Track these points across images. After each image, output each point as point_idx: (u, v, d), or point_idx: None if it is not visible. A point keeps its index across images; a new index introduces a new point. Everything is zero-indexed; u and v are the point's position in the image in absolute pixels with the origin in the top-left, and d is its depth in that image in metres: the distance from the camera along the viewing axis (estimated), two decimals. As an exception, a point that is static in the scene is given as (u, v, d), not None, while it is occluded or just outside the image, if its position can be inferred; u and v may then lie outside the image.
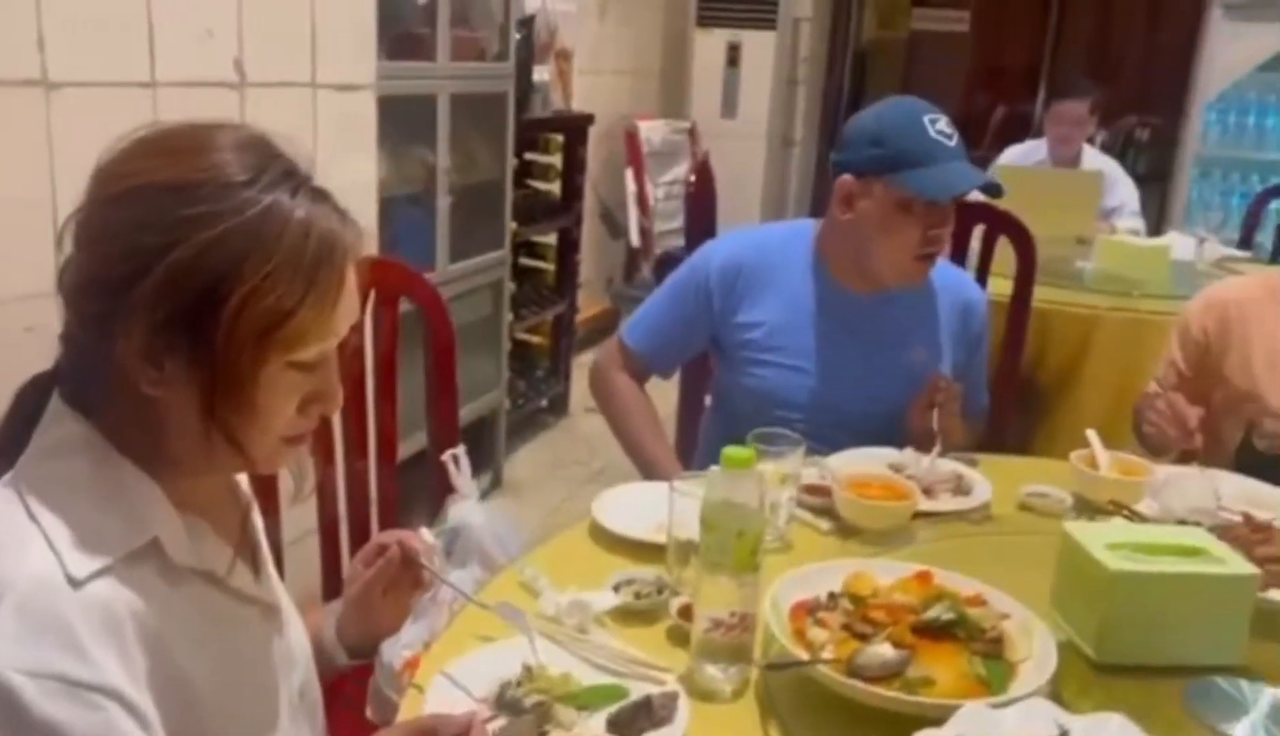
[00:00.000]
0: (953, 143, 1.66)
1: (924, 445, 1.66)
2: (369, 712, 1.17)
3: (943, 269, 1.87)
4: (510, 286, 3.57)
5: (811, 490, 1.50)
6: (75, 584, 0.74)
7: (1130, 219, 4.02)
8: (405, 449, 1.90)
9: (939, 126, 1.65)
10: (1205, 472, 1.57)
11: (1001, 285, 2.77)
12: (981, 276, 2.72)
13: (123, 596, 0.76)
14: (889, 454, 1.66)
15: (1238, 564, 1.10)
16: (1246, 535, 1.34)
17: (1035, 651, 1.05)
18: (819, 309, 1.80)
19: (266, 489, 1.18)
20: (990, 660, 1.04)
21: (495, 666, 1.05)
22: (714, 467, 1.59)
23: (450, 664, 1.06)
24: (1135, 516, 1.40)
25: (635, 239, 5.17)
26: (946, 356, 1.83)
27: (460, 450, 1.74)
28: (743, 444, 1.61)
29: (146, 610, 0.77)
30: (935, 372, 1.72)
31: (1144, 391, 1.98)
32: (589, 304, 5.15)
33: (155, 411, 0.81)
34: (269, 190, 0.80)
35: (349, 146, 2.35)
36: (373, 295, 1.71)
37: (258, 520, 0.98)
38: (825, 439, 1.75)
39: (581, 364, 4.90)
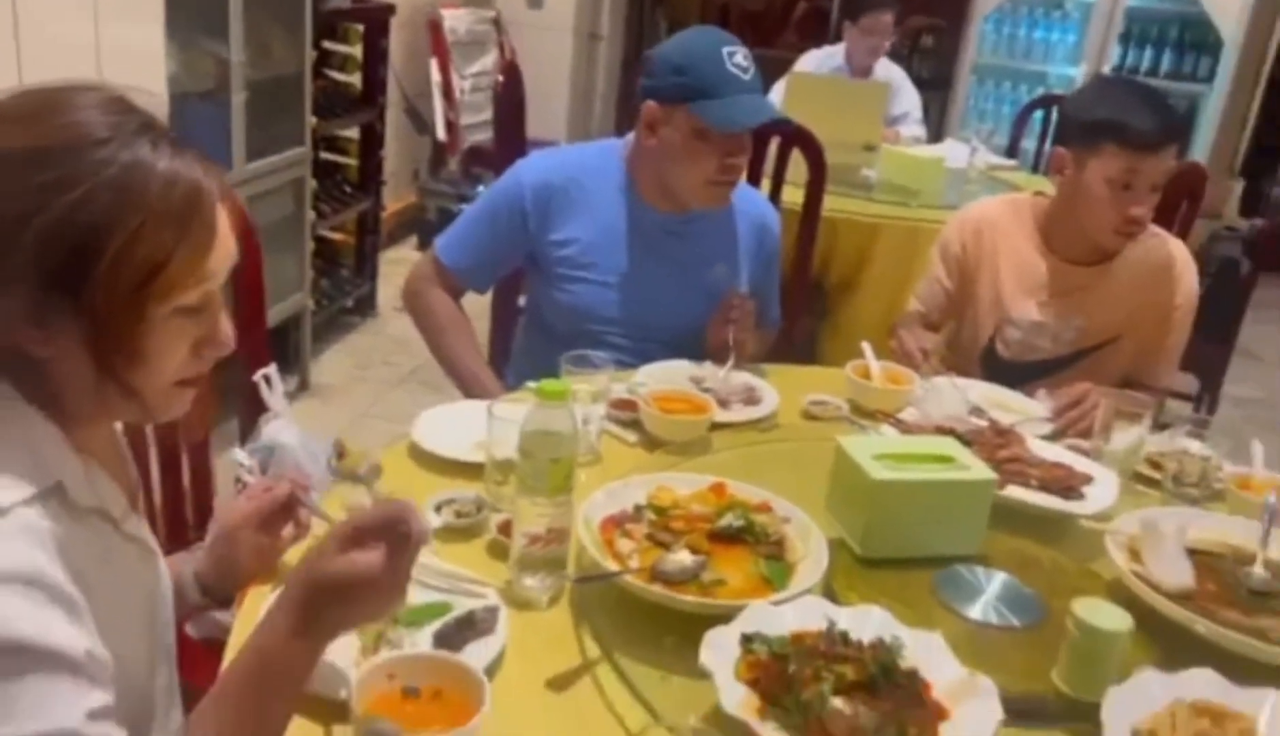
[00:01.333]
0: (748, 76, 1.75)
1: (721, 358, 1.79)
2: (189, 629, 1.20)
3: (742, 190, 1.99)
4: (312, 184, 3.46)
5: (620, 404, 1.60)
6: (1, 511, 0.77)
7: (913, 127, 4.29)
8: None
9: (736, 59, 1.74)
10: (959, 383, 1.79)
11: (795, 194, 2.95)
12: (776, 186, 2.89)
13: (42, 525, 0.79)
14: (690, 367, 1.79)
15: (979, 470, 1.29)
16: (991, 439, 1.55)
17: (811, 551, 1.21)
18: (629, 228, 1.88)
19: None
20: (773, 561, 1.19)
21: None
22: (530, 384, 1.69)
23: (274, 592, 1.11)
24: (899, 424, 1.59)
25: (441, 132, 5.07)
26: (744, 273, 1.96)
27: (272, 369, 1.75)
28: (556, 357, 1.71)
29: (62, 541, 0.80)
30: (731, 290, 1.85)
31: (904, 308, 2.18)
32: (395, 198, 5.03)
33: (49, 368, 0.83)
34: (129, 146, 0.81)
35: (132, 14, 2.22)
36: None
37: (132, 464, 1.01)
38: (637, 351, 1.86)
39: (389, 260, 4.81)
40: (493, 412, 1.32)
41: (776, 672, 0.97)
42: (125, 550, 0.93)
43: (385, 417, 3.51)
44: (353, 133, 4.04)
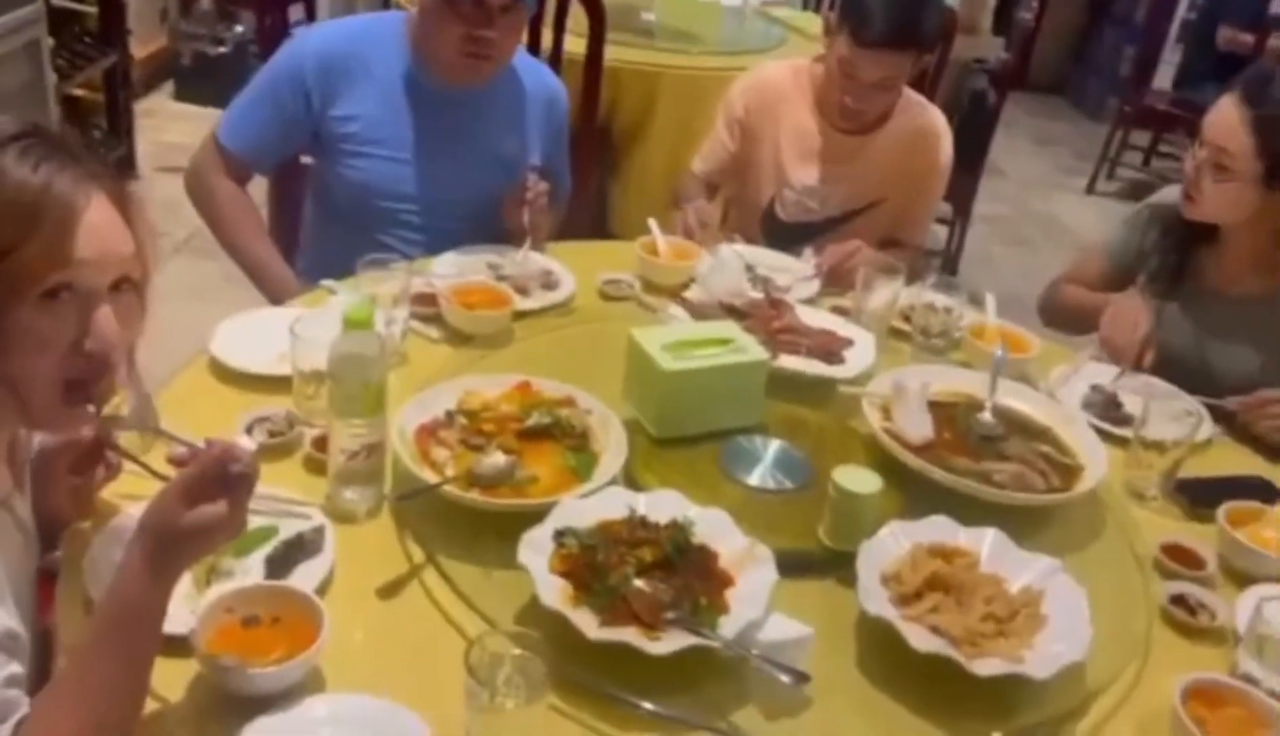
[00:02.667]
0: None
1: (518, 240, 1.85)
2: None
3: (528, 65, 2.00)
4: (49, 41, 3.14)
5: (421, 299, 1.64)
6: None
7: None
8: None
9: None
10: (739, 249, 1.93)
11: (577, 44, 2.95)
12: (557, 36, 2.87)
13: None
14: (487, 252, 1.83)
15: (755, 351, 1.44)
16: (766, 312, 1.71)
17: (612, 441, 1.33)
18: (416, 101, 1.87)
19: None
20: (579, 453, 1.31)
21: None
22: (325, 283, 1.69)
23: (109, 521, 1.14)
24: (685, 303, 1.71)
25: (188, -32, 4.64)
26: (536, 147, 2.00)
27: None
28: (350, 241, 1.73)
29: None
30: (524, 172, 1.89)
31: (687, 167, 2.27)
32: (144, 43, 4.61)
33: None
34: None
35: None
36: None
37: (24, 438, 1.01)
38: (435, 229, 1.89)
39: (144, 111, 4.46)
40: (294, 332, 1.34)
41: (586, 563, 1.10)
42: (13, 533, 0.96)
43: (165, 295, 3.33)
44: (87, -23, 3.65)
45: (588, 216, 3.20)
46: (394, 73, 1.86)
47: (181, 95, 4.78)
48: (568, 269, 1.82)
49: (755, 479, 1.36)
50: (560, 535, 1.13)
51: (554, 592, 1.06)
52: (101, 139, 3.80)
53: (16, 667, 0.87)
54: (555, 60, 2.88)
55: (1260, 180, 1.67)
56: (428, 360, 1.56)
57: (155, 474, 1.18)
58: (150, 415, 1.16)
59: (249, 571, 1.11)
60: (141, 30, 4.44)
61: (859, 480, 1.23)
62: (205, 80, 4.71)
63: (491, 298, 1.66)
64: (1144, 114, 5.27)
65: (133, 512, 1.14)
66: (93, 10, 3.72)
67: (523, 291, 1.73)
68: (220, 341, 1.49)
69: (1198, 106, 5.21)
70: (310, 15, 5.16)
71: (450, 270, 1.76)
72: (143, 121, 4.34)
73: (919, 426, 1.43)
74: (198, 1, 4.75)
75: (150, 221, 1.01)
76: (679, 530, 1.16)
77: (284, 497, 1.21)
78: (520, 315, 1.68)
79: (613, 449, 1.31)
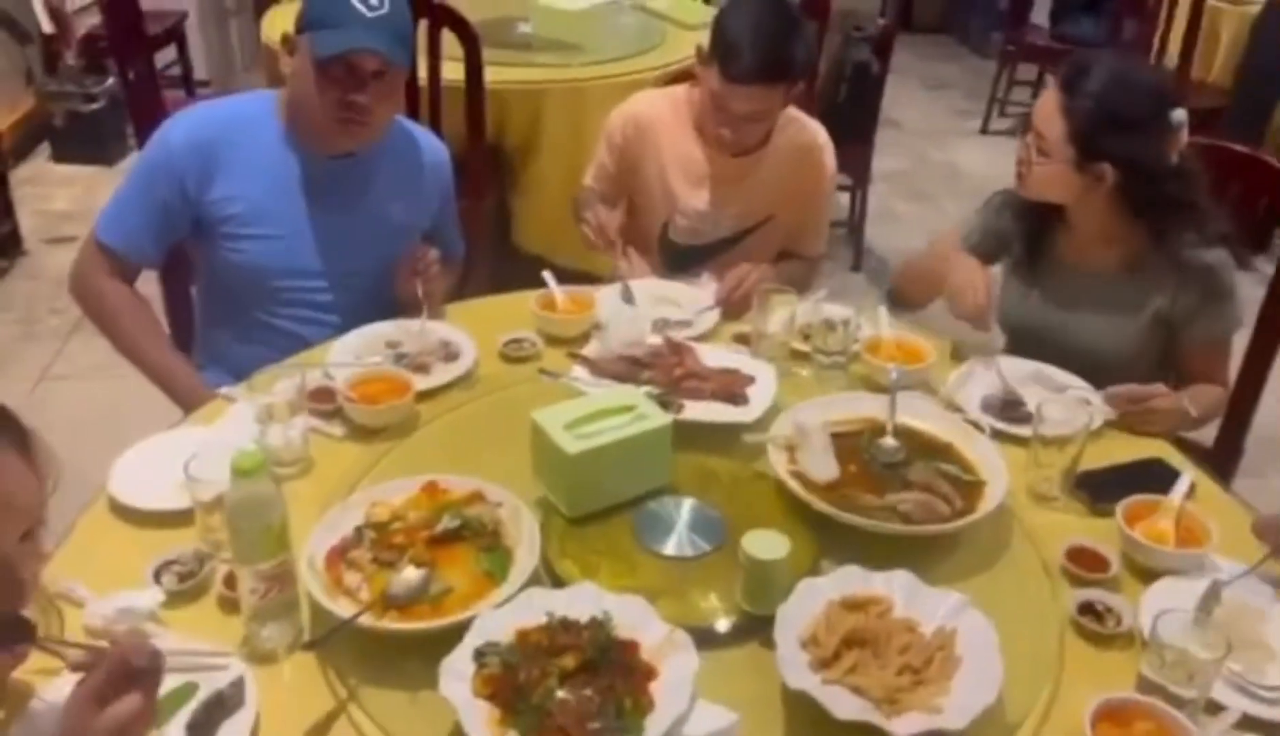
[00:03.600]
0: (372, 13, 1.69)
1: (414, 311, 1.83)
2: None
3: (408, 129, 1.97)
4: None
5: (319, 396, 1.63)
6: None
7: None
8: None
9: None
10: (635, 286, 1.94)
11: (455, 69, 2.91)
12: (434, 66, 2.83)
13: None
14: (383, 328, 1.81)
15: (658, 417, 1.45)
16: (667, 358, 1.72)
17: (524, 533, 1.33)
18: (295, 177, 1.84)
19: None
20: (492, 552, 1.31)
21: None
22: (225, 390, 1.67)
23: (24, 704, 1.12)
24: (587, 363, 1.72)
25: (46, 24, 4.47)
26: (427, 211, 1.98)
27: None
28: (245, 323, 1.70)
29: None
30: (414, 244, 1.87)
31: (581, 183, 2.28)
32: (9, 110, 4.45)
33: None
34: None
35: None
36: None
37: None
38: (340, 306, 1.86)
39: (20, 180, 4.31)
40: (189, 473, 1.32)
41: (508, 682, 1.11)
42: None
43: (69, 376, 3.27)
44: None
45: (489, 235, 3.19)
46: (270, 150, 1.83)
47: (59, 157, 4.63)
48: (467, 334, 1.81)
49: (671, 547, 1.38)
50: (480, 654, 1.14)
51: (479, 721, 1.07)
52: (-21, 220, 3.68)
53: None
54: (434, 88, 2.85)
55: (1073, 163, 1.75)
56: (334, 461, 1.55)
57: (66, 652, 1.15)
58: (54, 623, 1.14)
59: (172, 740, 1.10)
60: (5, 94, 4.29)
61: (768, 546, 1.25)
62: (81, 139, 4.57)
63: (391, 386, 1.64)
64: (1027, 50, 5.36)
65: (46, 697, 1.13)
66: (-52, 90, 3.57)
67: (423, 369, 1.72)
68: (118, 478, 1.46)
69: (1075, 40, 5.34)
70: (182, 55, 5.01)
71: (347, 356, 1.74)
72: (23, 190, 4.21)
73: (823, 466, 1.46)
74: (62, 59, 4.58)
75: (48, 450, 0.99)
76: (599, 628, 1.17)
77: (199, 650, 1.20)
78: (424, 395, 1.67)
79: (526, 543, 1.32)
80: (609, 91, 2.99)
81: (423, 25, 2.80)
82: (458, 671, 1.12)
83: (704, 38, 2.05)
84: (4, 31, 4.42)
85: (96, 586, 1.27)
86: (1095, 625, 1.29)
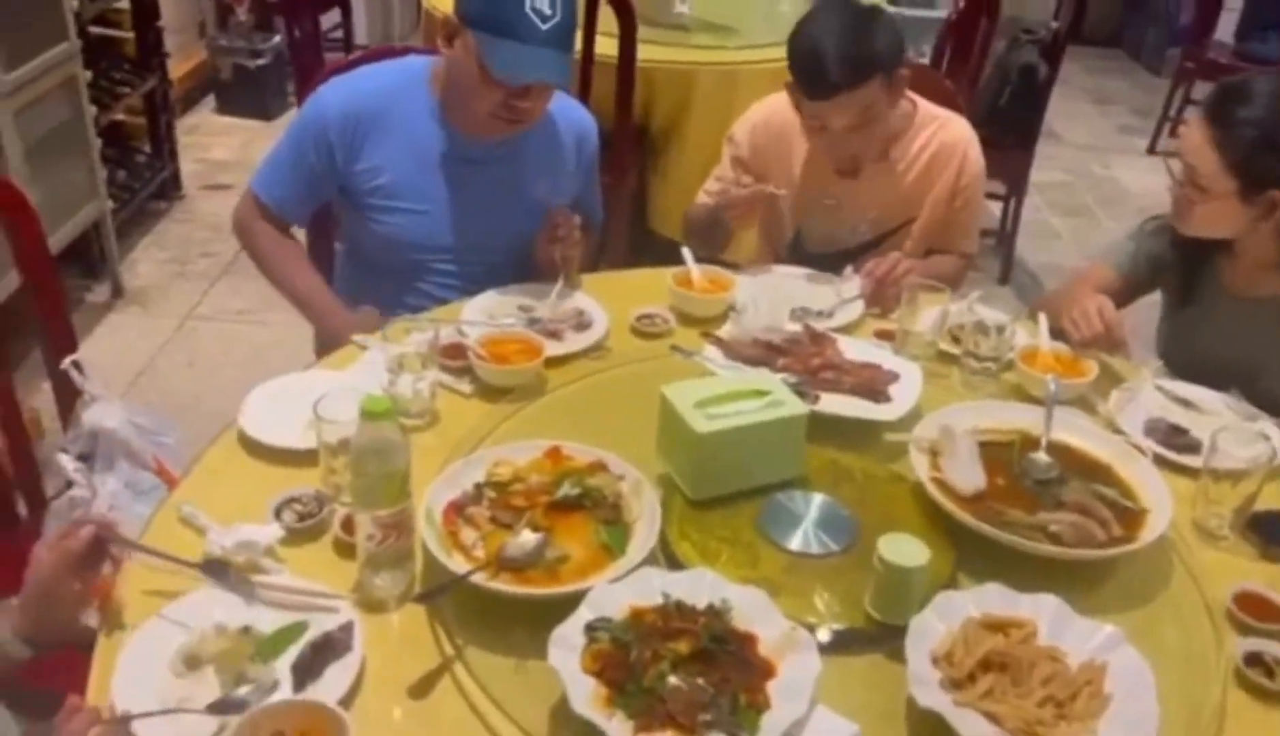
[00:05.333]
0: (546, 26, 1.64)
1: (549, 277, 1.81)
2: None
3: (559, 101, 1.93)
4: (85, 76, 3.16)
5: (450, 352, 1.61)
6: None
7: None
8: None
9: (539, 4, 1.63)
10: (780, 271, 1.86)
11: (608, 45, 2.88)
12: (588, 39, 2.81)
13: None
14: (517, 293, 1.79)
15: (793, 404, 1.38)
16: (806, 347, 1.64)
17: (645, 509, 1.28)
18: (440, 150, 1.82)
19: None
20: (611, 526, 1.26)
21: (177, 630, 1.12)
22: (356, 339, 1.67)
23: (132, 636, 1.12)
24: (720, 343, 1.65)
25: (223, -20, 4.64)
26: (569, 186, 1.94)
27: (79, 356, 1.68)
28: (383, 291, 1.70)
29: None
30: (554, 209, 1.84)
31: (696, 200, 2.18)
32: (183, 57, 4.64)
33: None
34: None
35: None
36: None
37: None
38: (469, 275, 1.85)
39: (186, 128, 4.49)
40: (317, 413, 1.31)
41: (619, 660, 1.06)
42: None
43: (213, 317, 3.38)
44: (123, 3, 3.65)
45: (627, 214, 3.15)
46: (419, 123, 1.82)
47: (223, 109, 4.81)
48: (600, 306, 1.77)
49: (797, 542, 1.30)
50: (592, 629, 1.09)
51: (586, 696, 1.03)
52: (145, 163, 3.84)
53: None
54: (586, 64, 2.83)
55: (1237, 195, 1.61)
56: (460, 417, 1.52)
57: (172, 558, 1.17)
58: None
59: (277, 676, 1.09)
60: (179, 45, 4.46)
61: (906, 551, 1.16)
62: (245, 93, 4.73)
63: (523, 347, 1.61)
64: (1207, 67, 5.03)
65: (167, 613, 1.14)
66: (129, 36, 3.73)
67: (554, 336, 1.68)
68: (249, 413, 1.47)
69: (1261, 60, 4.96)
70: (346, 19, 5.16)
71: (481, 316, 1.72)
72: (185, 139, 4.37)
73: (969, 476, 1.36)
74: (234, 14, 4.75)
75: None
76: (716, 617, 1.11)
77: (312, 590, 1.19)
78: (553, 361, 1.63)
79: (646, 519, 1.27)
80: (760, 76, 2.91)
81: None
82: (568, 642, 1.07)
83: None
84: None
85: (219, 516, 1.28)
86: (1264, 679, 1.16)
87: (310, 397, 1.35)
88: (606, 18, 2.86)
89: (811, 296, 1.84)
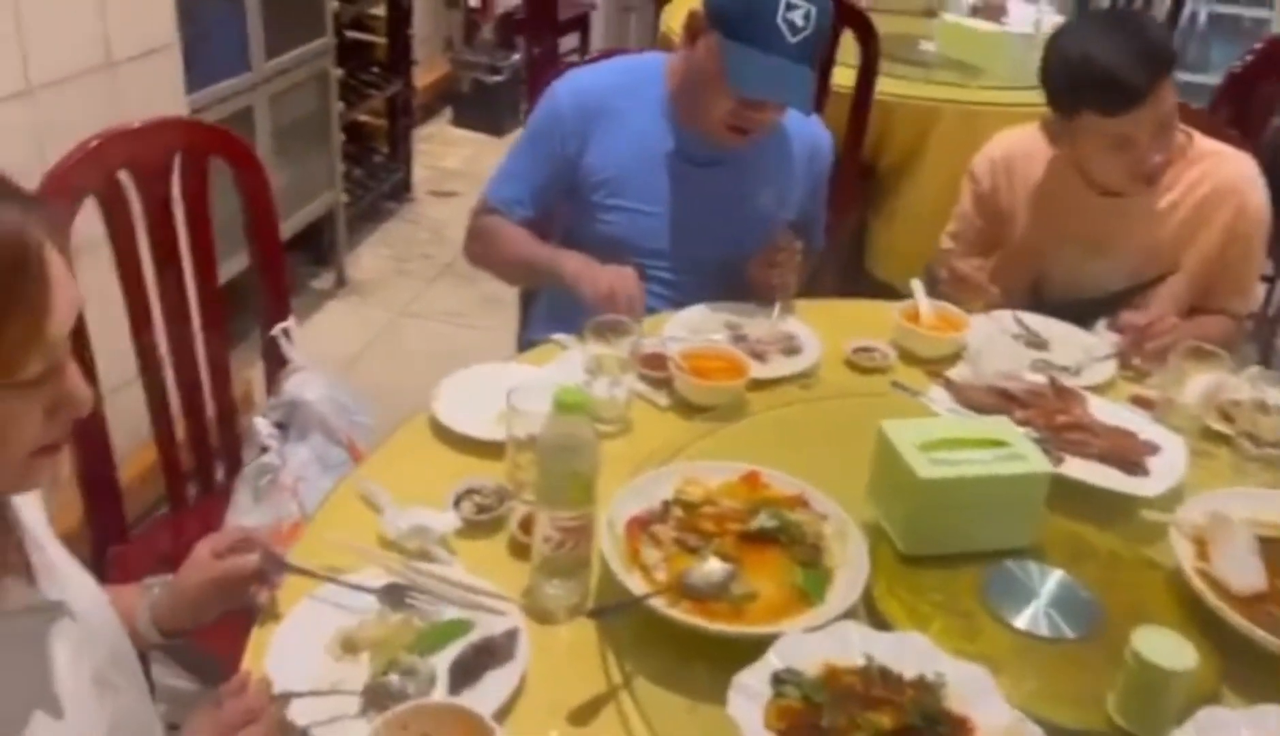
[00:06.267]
0: (796, 38, 1.54)
1: (762, 298, 1.69)
2: None
3: (792, 112, 1.83)
4: (337, 73, 3.31)
5: (650, 362, 1.52)
6: None
7: None
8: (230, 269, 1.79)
9: (793, 15, 1.54)
10: (1021, 318, 1.67)
11: (846, 75, 2.76)
12: (825, 68, 2.70)
13: None
14: (727, 311, 1.68)
15: (1036, 460, 1.19)
16: (1050, 402, 1.45)
17: (850, 557, 1.13)
18: (666, 148, 1.75)
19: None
20: (809, 569, 1.12)
21: (337, 612, 1.07)
22: (555, 337, 1.61)
23: (289, 613, 1.07)
24: (949, 385, 1.48)
25: (474, -1, 4.82)
26: (794, 201, 1.83)
27: (290, 323, 1.69)
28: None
29: None
30: (778, 230, 1.72)
31: (938, 246, 2.02)
32: (428, 69, 4.84)
33: None
34: None
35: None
36: (178, 159, 1.57)
37: (23, 510, 0.91)
38: (683, 284, 1.76)
39: (422, 137, 4.67)
40: (510, 401, 1.24)
41: (809, 722, 0.92)
42: (6, 627, 0.84)
43: (424, 315, 3.46)
44: (379, 10, 3.84)
45: (843, 254, 3.00)
46: (649, 120, 1.76)
47: (458, 121, 4.98)
48: (813, 333, 1.64)
49: (1026, 620, 1.12)
50: (780, 681, 0.95)
51: (766, 756, 0.89)
52: (381, 163, 4.00)
53: None
54: (820, 92, 2.71)
55: None
56: (653, 430, 1.42)
57: (346, 584, 1.10)
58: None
59: (433, 671, 1.01)
60: (426, 57, 4.66)
61: (1167, 650, 0.96)
62: (480, 107, 4.89)
63: (726, 365, 1.50)
64: None
65: (323, 595, 1.08)
66: (382, 41, 3.91)
67: (760, 357, 1.56)
68: (443, 399, 1.42)
69: None
70: (584, 42, 5.29)
71: (685, 331, 1.62)
72: (420, 147, 4.54)
73: (1246, 572, 1.14)
74: (479, 31, 4.94)
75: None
76: (928, 691, 0.95)
77: (481, 589, 1.10)
78: (757, 384, 1.51)
79: (850, 568, 1.12)
80: (1004, 119, 2.68)
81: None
82: (751, 691, 0.94)
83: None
84: (440, -3, 4.84)
85: (399, 496, 1.23)
86: None
87: (504, 390, 1.29)
88: (845, 48, 2.74)
89: (1056, 345, 1.64)
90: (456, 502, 1.23)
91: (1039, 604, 1.14)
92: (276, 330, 1.66)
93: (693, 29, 1.67)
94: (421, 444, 1.38)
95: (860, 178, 2.96)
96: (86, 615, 0.94)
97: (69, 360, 0.79)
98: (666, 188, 1.75)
